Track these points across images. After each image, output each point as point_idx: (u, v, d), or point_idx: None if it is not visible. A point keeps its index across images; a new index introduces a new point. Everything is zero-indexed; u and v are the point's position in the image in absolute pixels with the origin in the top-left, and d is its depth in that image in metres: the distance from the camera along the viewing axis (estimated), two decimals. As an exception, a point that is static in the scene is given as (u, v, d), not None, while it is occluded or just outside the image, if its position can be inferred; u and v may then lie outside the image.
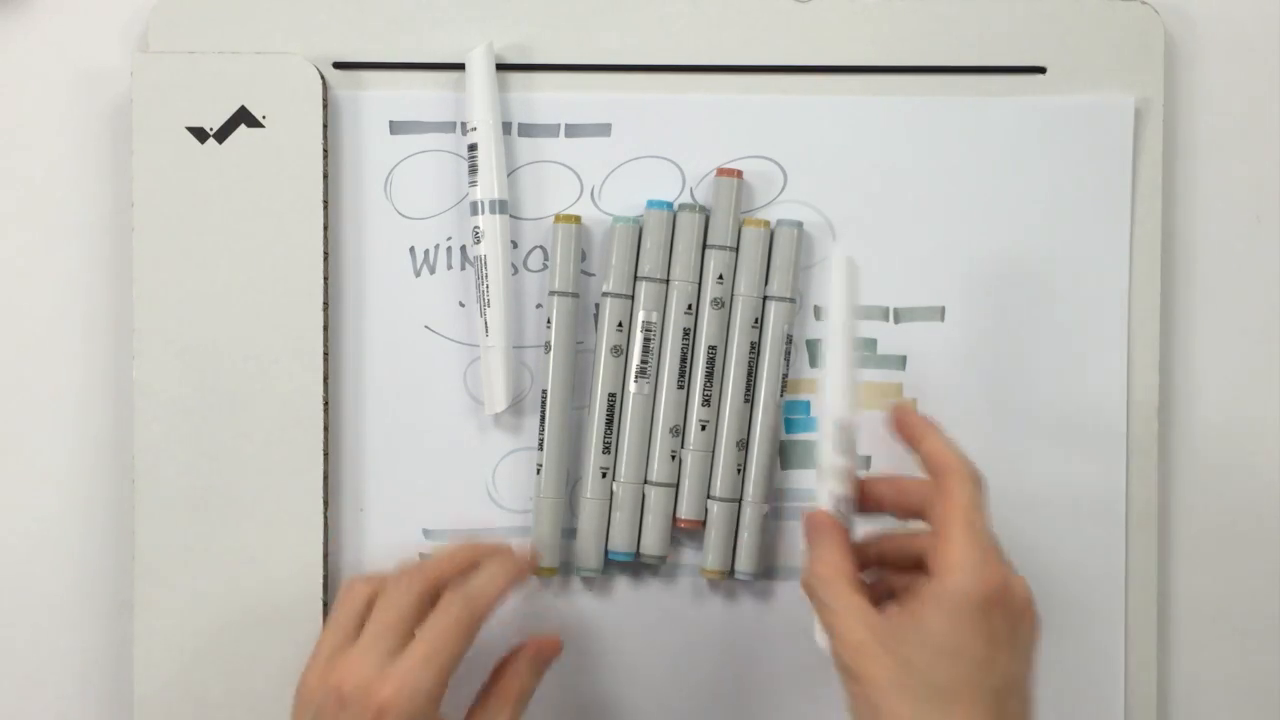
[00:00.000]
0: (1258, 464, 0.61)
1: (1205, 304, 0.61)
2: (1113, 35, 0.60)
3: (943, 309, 0.60)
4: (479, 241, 0.58)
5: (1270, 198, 0.61)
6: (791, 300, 0.59)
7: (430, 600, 0.53)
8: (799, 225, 0.59)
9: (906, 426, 0.53)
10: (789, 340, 0.59)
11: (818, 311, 0.60)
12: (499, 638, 0.60)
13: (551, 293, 0.59)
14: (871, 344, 0.60)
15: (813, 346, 0.60)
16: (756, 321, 0.59)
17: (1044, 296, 0.60)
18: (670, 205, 0.59)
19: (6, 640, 0.61)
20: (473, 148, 0.59)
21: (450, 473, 0.60)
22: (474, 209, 0.59)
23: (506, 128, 0.60)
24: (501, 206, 0.59)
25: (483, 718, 0.54)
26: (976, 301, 0.60)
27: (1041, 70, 0.60)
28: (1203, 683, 0.61)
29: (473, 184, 0.59)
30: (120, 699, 0.61)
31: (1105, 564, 0.60)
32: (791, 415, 0.60)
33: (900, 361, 0.60)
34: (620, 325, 0.59)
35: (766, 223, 0.59)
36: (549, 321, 0.59)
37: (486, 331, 0.59)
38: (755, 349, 0.59)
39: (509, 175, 0.60)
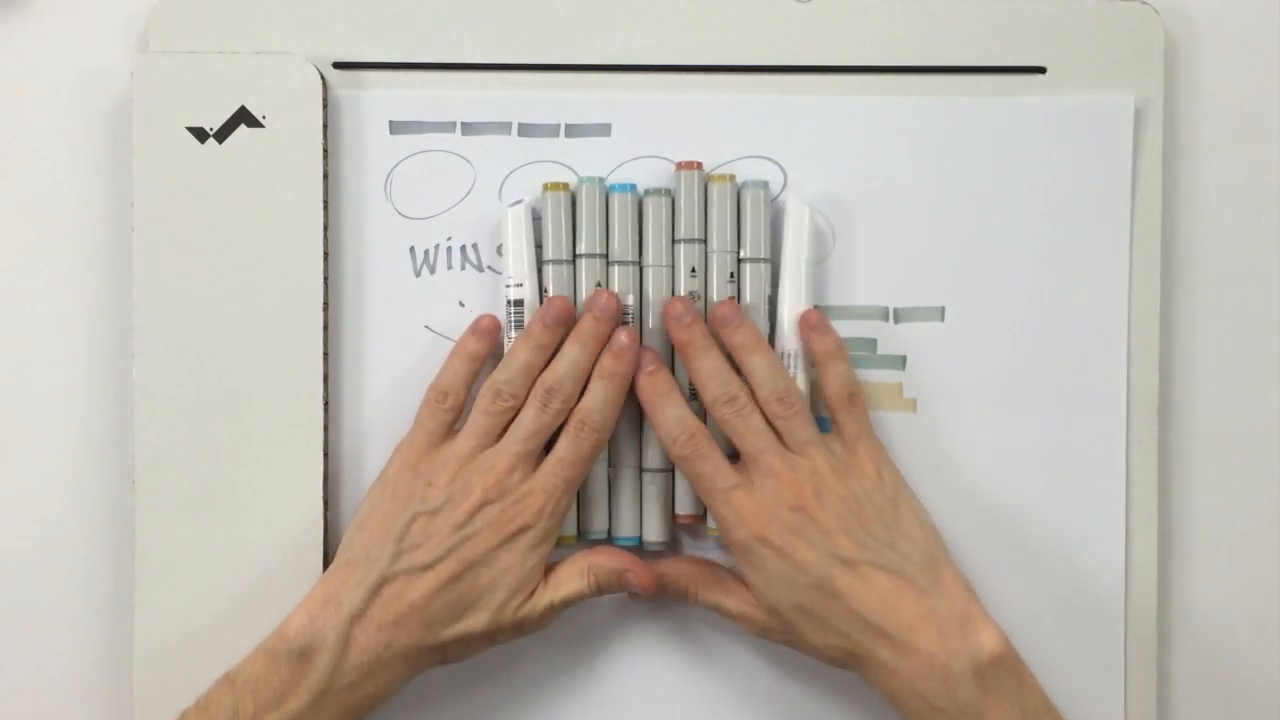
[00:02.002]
0: (1258, 463, 0.61)
1: (1205, 304, 0.61)
2: (1113, 35, 0.60)
3: (943, 309, 0.60)
4: None
5: (1270, 198, 0.61)
6: (767, 260, 0.59)
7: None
8: (765, 184, 0.59)
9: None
10: (770, 301, 0.59)
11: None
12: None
13: (545, 262, 0.59)
14: (871, 344, 0.60)
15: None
16: (732, 276, 0.59)
17: (1044, 296, 0.60)
18: (633, 188, 0.59)
19: (7, 640, 0.61)
20: (517, 303, 0.58)
21: (450, 473, 0.60)
22: None
23: (506, 128, 0.60)
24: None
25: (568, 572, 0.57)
26: (976, 301, 0.60)
27: (1041, 70, 0.60)
28: (1203, 683, 0.61)
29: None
30: (120, 699, 0.61)
31: (1105, 564, 0.60)
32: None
33: (900, 361, 0.60)
34: (599, 285, 0.59)
35: (732, 177, 0.59)
36: (546, 290, 0.59)
37: None
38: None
39: (509, 176, 0.60)
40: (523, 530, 0.55)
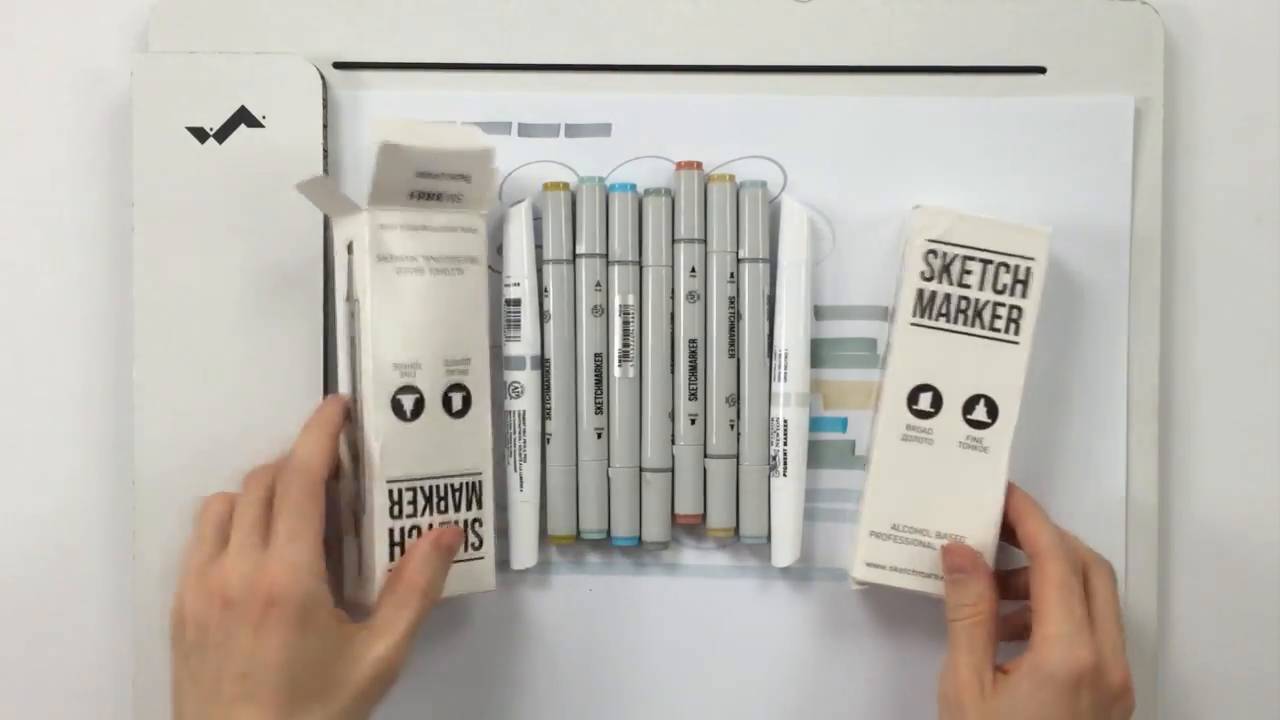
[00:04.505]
0: (1257, 464, 0.61)
1: (1205, 304, 0.61)
2: (1113, 35, 0.60)
3: (943, 309, 0.60)
4: (517, 397, 0.59)
5: (1270, 198, 0.61)
6: (766, 260, 0.59)
7: None
8: (763, 185, 0.59)
9: (1010, 508, 0.56)
10: (769, 300, 0.59)
11: (818, 311, 0.60)
12: (503, 617, 0.60)
13: (545, 262, 0.59)
14: (871, 344, 0.60)
15: (820, 345, 0.60)
16: (732, 276, 0.59)
17: (1043, 296, 0.60)
18: (633, 188, 0.59)
19: (7, 640, 0.61)
20: (515, 302, 0.59)
21: (450, 473, 0.60)
22: (509, 363, 0.59)
23: (506, 128, 0.60)
24: (542, 363, 0.59)
25: (390, 604, 0.54)
26: (976, 301, 0.60)
27: (1041, 70, 0.60)
28: (1203, 683, 0.61)
29: (513, 339, 0.59)
30: (120, 699, 0.61)
31: (1105, 564, 0.60)
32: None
33: (900, 361, 0.60)
34: (599, 285, 0.59)
35: (731, 177, 0.59)
36: (546, 290, 0.59)
37: (521, 486, 0.59)
38: (734, 304, 0.59)
39: (509, 176, 0.60)
40: (270, 605, 0.51)
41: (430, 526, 0.56)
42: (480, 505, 0.57)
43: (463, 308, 0.56)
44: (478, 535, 0.57)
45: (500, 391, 0.59)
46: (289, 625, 0.51)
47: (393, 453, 0.55)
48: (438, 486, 0.56)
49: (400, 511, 0.55)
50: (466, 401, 0.56)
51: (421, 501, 0.56)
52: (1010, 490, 0.57)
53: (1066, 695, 0.52)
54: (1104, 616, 0.54)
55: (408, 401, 0.55)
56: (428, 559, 0.54)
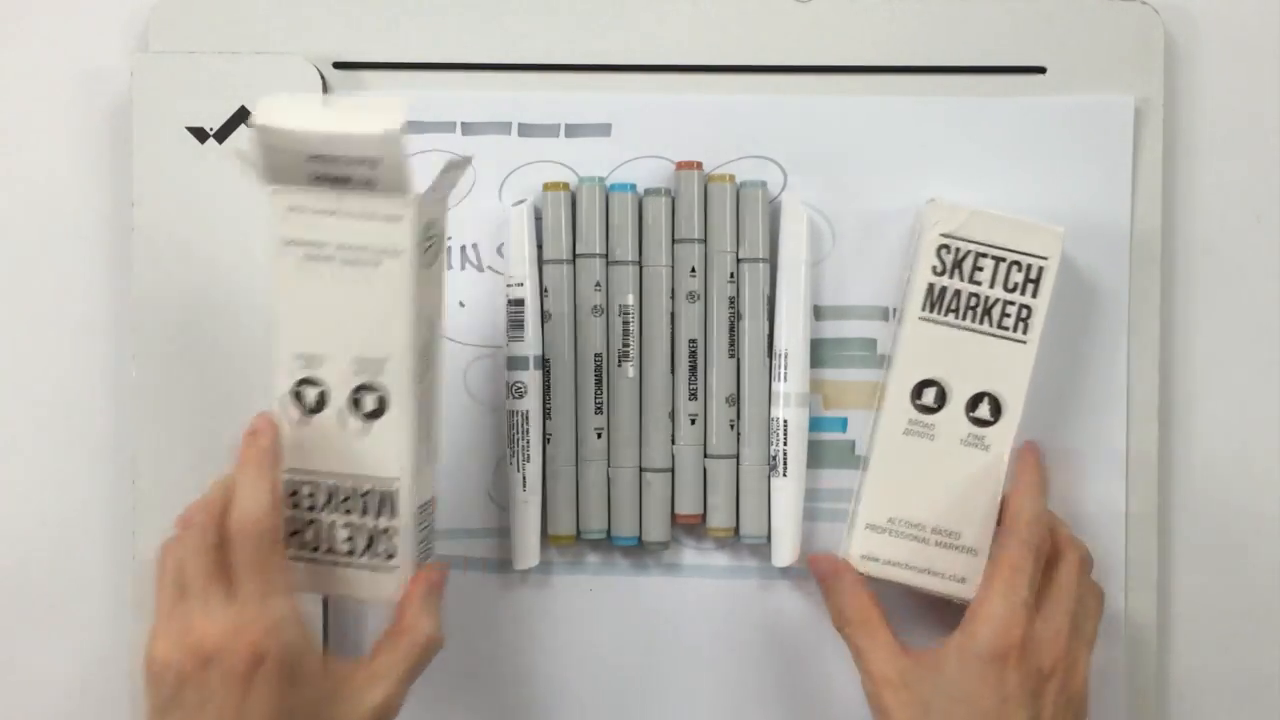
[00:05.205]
0: (1258, 464, 0.61)
1: (1205, 304, 0.61)
2: (1113, 35, 0.60)
3: (943, 309, 0.60)
4: (520, 397, 0.59)
5: (1270, 198, 0.61)
6: (765, 260, 0.59)
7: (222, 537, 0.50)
8: (763, 184, 0.59)
9: (1020, 468, 0.56)
10: (769, 300, 0.59)
11: (818, 311, 0.60)
12: (503, 617, 0.60)
13: (545, 262, 0.59)
14: (871, 344, 0.60)
15: (820, 345, 0.60)
16: (731, 276, 0.59)
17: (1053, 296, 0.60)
18: (633, 188, 0.59)
19: (6, 640, 0.61)
20: (518, 303, 0.59)
21: (450, 473, 0.60)
22: (512, 363, 0.59)
23: (506, 128, 0.60)
24: (542, 364, 0.59)
25: (389, 650, 0.52)
26: (976, 301, 0.60)
27: (1041, 70, 0.60)
28: (1203, 683, 0.61)
29: (516, 339, 0.59)
30: (120, 700, 0.61)
31: (1105, 564, 0.60)
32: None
33: (900, 361, 0.60)
34: (598, 285, 0.59)
35: (731, 177, 0.59)
36: (546, 290, 0.59)
37: (524, 486, 0.59)
38: (734, 304, 0.59)
39: (509, 176, 0.60)
40: (256, 664, 0.48)
41: (333, 524, 0.52)
42: (394, 514, 0.52)
43: (379, 304, 0.51)
44: (391, 545, 0.53)
45: (501, 393, 0.59)
46: (279, 680, 0.48)
47: (288, 444, 0.52)
48: (342, 487, 0.53)
49: (299, 504, 0.53)
50: (381, 404, 0.52)
51: (322, 499, 0.53)
52: (1022, 454, 0.57)
53: (992, 672, 0.51)
54: (1055, 601, 0.53)
55: (309, 394, 0.52)
56: (424, 602, 0.52)
